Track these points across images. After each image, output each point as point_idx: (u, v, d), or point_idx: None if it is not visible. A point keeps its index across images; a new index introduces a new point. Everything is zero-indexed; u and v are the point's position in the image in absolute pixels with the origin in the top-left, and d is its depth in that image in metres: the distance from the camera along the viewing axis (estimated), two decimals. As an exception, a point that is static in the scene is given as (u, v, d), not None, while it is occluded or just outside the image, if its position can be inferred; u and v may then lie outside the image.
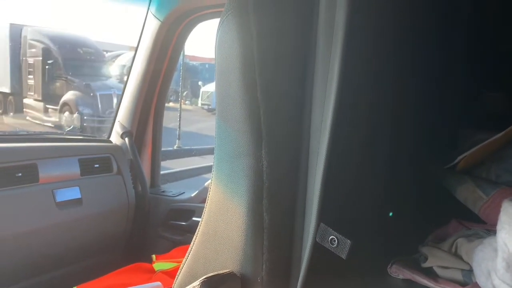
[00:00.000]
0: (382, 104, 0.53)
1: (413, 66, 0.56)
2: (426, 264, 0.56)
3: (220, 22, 0.54)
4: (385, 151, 0.57)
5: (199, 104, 11.42)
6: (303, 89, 0.51)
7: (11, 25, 7.68)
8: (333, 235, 0.46)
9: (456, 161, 0.61)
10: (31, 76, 7.93)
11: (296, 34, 0.51)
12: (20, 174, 1.46)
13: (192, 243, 0.61)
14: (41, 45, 7.68)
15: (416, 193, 0.63)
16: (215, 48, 0.55)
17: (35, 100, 8.00)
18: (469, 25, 0.64)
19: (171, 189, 1.97)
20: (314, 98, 0.50)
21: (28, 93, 8.08)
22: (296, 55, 0.51)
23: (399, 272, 0.55)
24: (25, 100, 8.15)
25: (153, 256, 1.50)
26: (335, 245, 0.46)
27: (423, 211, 0.61)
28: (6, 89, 8.03)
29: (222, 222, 0.55)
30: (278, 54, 0.51)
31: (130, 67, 1.82)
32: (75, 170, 1.64)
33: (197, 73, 12.44)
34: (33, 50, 7.77)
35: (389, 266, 0.56)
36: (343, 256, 0.45)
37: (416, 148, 0.63)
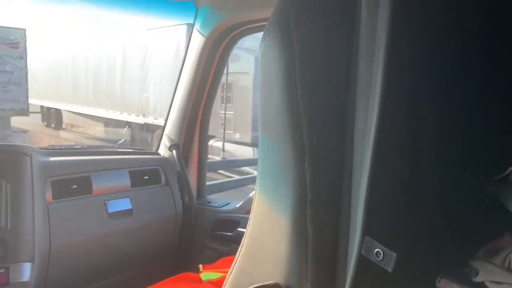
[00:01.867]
0: (427, 112, 0.52)
1: (458, 72, 0.54)
2: (477, 279, 0.54)
3: (262, 38, 0.55)
4: (432, 161, 0.56)
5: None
6: (345, 101, 0.51)
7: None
8: (379, 248, 0.45)
9: (507, 171, 0.59)
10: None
11: (338, 47, 0.51)
12: (75, 186, 1.54)
13: (237, 254, 0.63)
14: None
15: (466, 205, 0.61)
16: (259, 62, 0.56)
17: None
18: None
19: (216, 199, 2.00)
20: (357, 109, 0.50)
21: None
22: (337, 68, 0.51)
23: (448, 287, 0.54)
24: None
25: (200, 266, 1.52)
26: (380, 258, 0.45)
27: (473, 223, 0.59)
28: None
29: (266, 234, 0.56)
30: (319, 69, 0.51)
31: (177, 82, 1.88)
32: (126, 182, 1.70)
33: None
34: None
35: (437, 280, 0.55)
36: (389, 269, 0.45)
37: (465, 158, 0.61)
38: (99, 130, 9.76)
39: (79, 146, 1.93)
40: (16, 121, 8.59)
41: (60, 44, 10.33)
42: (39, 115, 11.17)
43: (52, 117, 11.00)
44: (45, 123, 11.12)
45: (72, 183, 1.54)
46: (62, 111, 10.78)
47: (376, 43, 0.45)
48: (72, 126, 10.59)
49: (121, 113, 8.70)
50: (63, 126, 10.94)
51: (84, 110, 9.75)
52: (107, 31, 9.00)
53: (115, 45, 8.81)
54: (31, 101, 11.16)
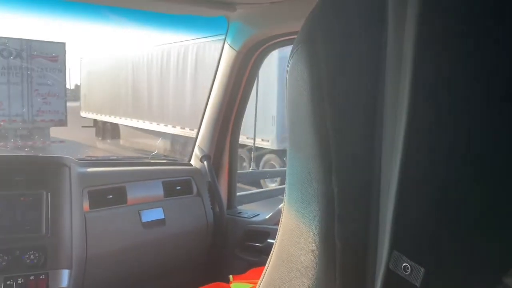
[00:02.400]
0: (456, 127, 0.52)
1: (489, 92, 0.54)
2: (510, 296, 0.53)
3: (290, 55, 0.57)
4: (465, 176, 0.56)
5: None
6: (372, 117, 0.52)
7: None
8: (407, 263, 0.46)
9: None
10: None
11: (364, 63, 0.52)
12: (110, 196, 1.59)
13: (266, 265, 0.64)
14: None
15: (498, 219, 0.60)
16: (287, 77, 0.58)
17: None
18: None
19: (246, 210, 2.01)
20: (385, 124, 0.51)
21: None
22: (365, 86, 0.52)
23: None
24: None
25: (231, 277, 1.53)
26: (408, 272, 0.46)
27: (506, 239, 0.58)
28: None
29: (294, 246, 0.57)
30: (347, 85, 0.52)
31: (209, 94, 1.92)
32: (159, 192, 1.75)
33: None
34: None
35: None
36: (417, 284, 0.45)
37: (497, 170, 0.61)
38: (158, 145, 9.36)
39: (115, 157, 1.99)
40: (69, 135, 8.75)
41: (117, 58, 10.45)
42: (93, 129, 11.15)
43: (108, 131, 10.88)
44: (100, 138, 11.01)
45: (108, 193, 1.59)
46: (119, 126, 10.59)
47: (403, 59, 0.45)
48: (130, 141, 10.39)
49: (182, 128, 8.43)
50: (121, 142, 10.73)
51: (146, 126, 9.50)
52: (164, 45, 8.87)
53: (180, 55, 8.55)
54: (86, 115, 11.25)
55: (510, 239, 0.57)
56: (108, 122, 10.80)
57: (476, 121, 0.53)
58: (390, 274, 0.47)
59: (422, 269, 0.45)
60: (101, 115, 10.95)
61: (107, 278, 1.57)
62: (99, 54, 11.35)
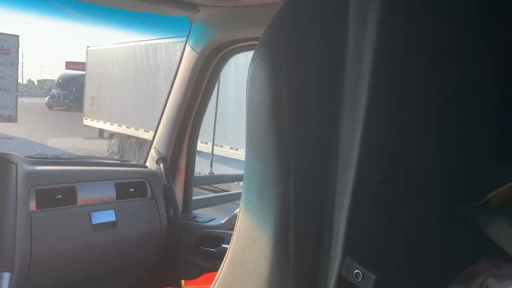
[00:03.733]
0: (409, 137, 0.53)
1: (446, 97, 0.56)
2: (454, 303, 0.55)
3: (252, 59, 0.56)
4: (414, 186, 0.57)
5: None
6: (331, 123, 0.52)
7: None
8: (358, 269, 0.46)
9: (487, 198, 0.60)
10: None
11: (325, 69, 0.52)
12: (59, 196, 1.53)
13: (219, 270, 0.63)
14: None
15: (446, 230, 0.62)
16: (247, 82, 0.57)
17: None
18: (500, 59, 0.64)
19: (202, 215, 1.99)
20: (342, 132, 0.51)
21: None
22: (324, 90, 0.52)
23: None
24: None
25: (182, 282, 1.51)
26: (359, 279, 0.46)
27: (452, 248, 0.60)
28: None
29: (248, 251, 0.57)
30: (307, 90, 0.53)
31: (168, 95, 1.89)
32: (111, 193, 1.69)
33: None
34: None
35: None
36: None
37: (447, 184, 0.63)
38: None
39: (66, 156, 1.92)
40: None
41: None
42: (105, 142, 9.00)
43: (132, 149, 8.10)
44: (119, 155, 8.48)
45: (57, 193, 1.53)
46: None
47: (362, 64, 0.46)
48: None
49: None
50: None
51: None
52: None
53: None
54: (102, 126, 9.25)
55: (455, 248, 0.59)
56: (134, 136, 8.22)
57: (430, 135, 0.55)
58: (342, 281, 0.47)
59: (373, 276, 0.45)
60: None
61: (53, 282, 1.50)
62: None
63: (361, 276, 0.46)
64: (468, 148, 0.66)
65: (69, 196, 1.55)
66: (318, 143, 0.53)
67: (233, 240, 0.61)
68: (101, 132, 9.27)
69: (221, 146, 6.50)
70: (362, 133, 0.45)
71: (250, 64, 0.57)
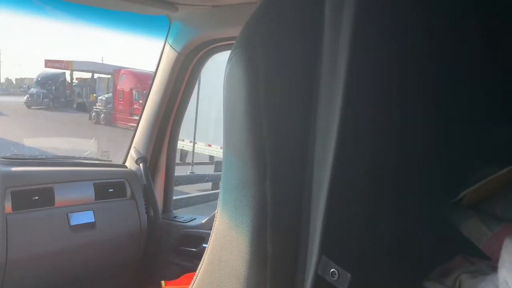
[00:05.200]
0: (386, 136, 0.54)
1: (420, 95, 0.56)
2: (429, 300, 0.56)
3: (229, 58, 0.56)
4: (390, 185, 0.58)
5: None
6: (307, 123, 0.52)
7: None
8: (334, 268, 0.46)
9: (461, 196, 0.61)
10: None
11: (301, 68, 0.53)
12: (36, 197, 1.50)
13: (197, 271, 0.62)
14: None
15: (422, 228, 0.63)
16: (224, 82, 0.57)
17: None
18: (479, 57, 0.65)
19: (182, 214, 1.98)
20: (318, 132, 0.52)
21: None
22: (301, 90, 0.53)
23: None
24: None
25: (162, 282, 1.50)
26: (335, 278, 0.46)
27: (428, 245, 0.61)
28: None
29: (226, 251, 0.56)
30: (284, 90, 0.53)
31: (147, 95, 1.87)
32: (90, 194, 1.67)
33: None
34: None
35: None
36: None
37: (423, 182, 0.64)
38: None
39: (43, 156, 1.88)
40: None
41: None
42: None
43: None
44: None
45: (33, 194, 1.49)
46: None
47: (338, 64, 0.46)
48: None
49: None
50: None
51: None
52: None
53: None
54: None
55: (431, 245, 0.60)
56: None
57: (405, 133, 0.55)
58: (318, 280, 0.47)
59: (349, 275, 0.46)
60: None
61: (30, 285, 1.47)
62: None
63: (337, 275, 0.46)
64: (445, 146, 0.67)
65: (46, 197, 1.52)
66: (295, 143, 0.53)
67: (211, 240, 0.61)
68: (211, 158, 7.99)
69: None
70: (337, 133, 0.45)
71: (227, 64, 0.56)
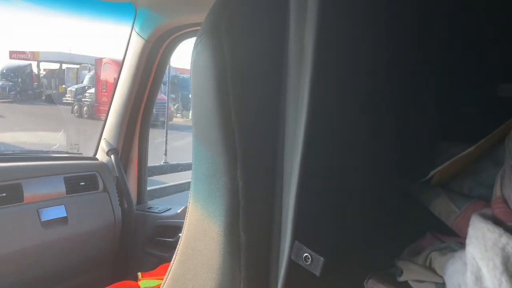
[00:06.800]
0: (355, 119, 0.54)
1: (388, 78, 0.57)
2: (401, 278, 0.57)
3: (195, 44, 0.55)
4: (360, 167, 0.58)
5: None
6: (276, 109, 0.52)
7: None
8: (307, 253, 0.47)
9: (430, 175, 0.62)
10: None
11: (268, 54, 0.52)
12: (4, 194, 1.45)
13: (172, 262, 0.62)
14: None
15: (393, 208, 0.64)
16: (190, 69, 0.56)
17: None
18: (446, 41, 0.65)
19: (157, 205, 1.96)
20: (287, 118, 0.51)
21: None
22: (268, 75, 0.52)
23: (375, 287, 0.56)
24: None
25: (139, 274, 1.49)
26: (309, 262, 0.46)
27: (400, 225, 0.62)
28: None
29: (200, 241, 0.56)
30: (250, 75, 0.52)
31: (115, 85, 1.83)
32: (61, 188, 1.63)
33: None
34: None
35: (365, 281, 0.57)
36: (317, 273, 0.46)
37: (393, 162, 0.64)
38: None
39: (10, 151, 1.82)
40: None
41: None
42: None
43: None
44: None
45: (0, 191, 1.45)
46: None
47: (305, 49, 0.46)
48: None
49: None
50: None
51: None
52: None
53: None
54: None
55: (402, 225, 0.61)
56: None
57: (376, 114, 0.56)
58: (292, 265, 0.47)
59: (322, 259, 0.46)
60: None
61: (3, 283, 1.43)
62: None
63: (310, 259, 0.46)
64: (414, 127, 0.68)
65: (14, 193, 1.48)
66: (264, 129, 0.52)
67: (184, 231, 0.60)
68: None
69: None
70: (307, 116, 0.45)
71: (193, 51, 0.55)
